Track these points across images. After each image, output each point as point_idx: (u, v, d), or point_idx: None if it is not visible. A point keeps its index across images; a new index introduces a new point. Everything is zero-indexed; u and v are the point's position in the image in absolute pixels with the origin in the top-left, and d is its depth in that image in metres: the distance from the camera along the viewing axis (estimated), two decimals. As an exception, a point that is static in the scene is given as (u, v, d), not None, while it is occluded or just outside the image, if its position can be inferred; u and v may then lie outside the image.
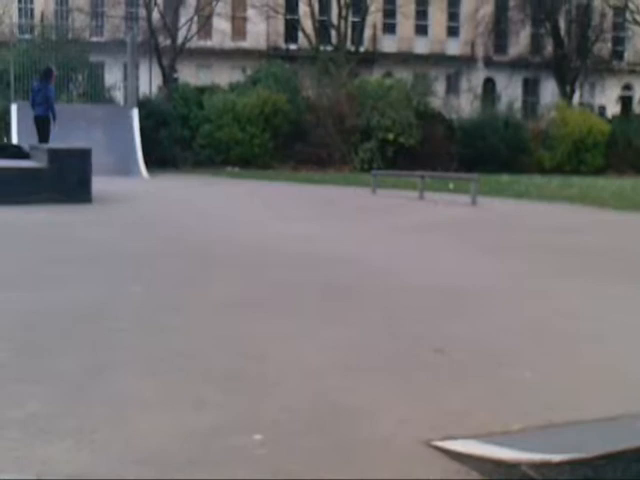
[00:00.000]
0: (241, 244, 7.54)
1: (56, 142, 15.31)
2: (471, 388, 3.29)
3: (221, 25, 38.46)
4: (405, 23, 43.70)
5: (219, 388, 3.18)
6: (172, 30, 32.63)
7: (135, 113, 23.35)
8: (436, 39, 44.47)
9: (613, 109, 43.59)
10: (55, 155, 11.47)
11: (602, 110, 42.45)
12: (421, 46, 43.91)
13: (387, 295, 5.23)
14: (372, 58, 41.31)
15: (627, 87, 47.27)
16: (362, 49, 38.79)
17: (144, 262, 6.37)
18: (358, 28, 37.34)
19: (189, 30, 33.44)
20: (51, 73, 17.23)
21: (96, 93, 27.14)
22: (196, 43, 35.53)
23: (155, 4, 32.90)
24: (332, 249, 7.30)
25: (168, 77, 32.06)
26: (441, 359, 3.68)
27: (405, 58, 41.41)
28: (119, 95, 28.77)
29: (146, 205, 12.10)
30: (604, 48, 43.99)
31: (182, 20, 33.39)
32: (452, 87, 40.91)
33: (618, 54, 46.24)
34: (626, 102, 46.21)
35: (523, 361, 3.70)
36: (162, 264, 6.30)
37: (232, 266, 6.24)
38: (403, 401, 3.09)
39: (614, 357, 3.82)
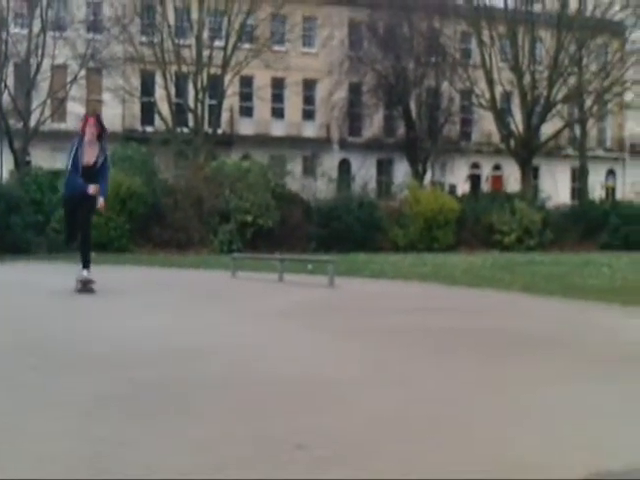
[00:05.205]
0: (87, 337, 7.29)
1: None
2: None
3: (76, 108, 38.05)
4: (262, 106, 44.48)
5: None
6: (24, 113, 32.08)
7: (-15, 199, 22.72)
8: (292, 122, 45.40)
9: (463, 187, 45.43)
10: None
11: (453, 188, 44.19)
12: (278, 129, 44.79)
13: (246, 388, 5.18)
14: (230, 140, 41.80)
15: (475, 166, 49.43)
16: (220, 131, 39.16)
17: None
18: (215, 111, 37.72)
19: (42, 113, 32.93)
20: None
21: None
22: (50, 126, 35.01)
23: (5, 86, 32.32)
24: (187, 339, 7.20)
25: (20, 161, 31.40)
26: (301, 456, 3.66)
27: (262, 140, 42.06)
28: (-33, 180, 27.97)
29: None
30: (453, 130, 46.10)
31: (35, 103, 32.87)
32: (309, 169, 41.74)
33: (466, 135, 48.45)
34: (475, 180, 48.26)
35: (387, 452, 3.71)
36: (6, 362, 6.06)
37: (81, 364, 6.05)
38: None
39: (484, 441, 3.88)
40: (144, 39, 38.53)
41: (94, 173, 11.17)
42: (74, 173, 11.22)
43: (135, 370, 5.70)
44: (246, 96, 44.17)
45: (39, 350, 6.51)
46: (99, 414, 4.39)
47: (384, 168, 47.05)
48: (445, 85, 43.83)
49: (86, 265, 11.27)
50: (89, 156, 11.11)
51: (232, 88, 39.25)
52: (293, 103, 45.69)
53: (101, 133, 11.29)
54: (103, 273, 11.47)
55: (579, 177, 47.03)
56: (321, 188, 33.80)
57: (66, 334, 7.52)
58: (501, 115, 41.64)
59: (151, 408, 4.56)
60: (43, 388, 5.07)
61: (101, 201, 11.26)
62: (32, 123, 32.45)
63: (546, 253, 29.04)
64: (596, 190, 44.82)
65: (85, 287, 11.10)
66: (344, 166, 45.67)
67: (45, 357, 6.22)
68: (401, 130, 44.80)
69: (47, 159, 34.44)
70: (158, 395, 4.93)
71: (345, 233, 29.26)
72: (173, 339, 7.23)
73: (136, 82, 39.71)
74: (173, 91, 37.77)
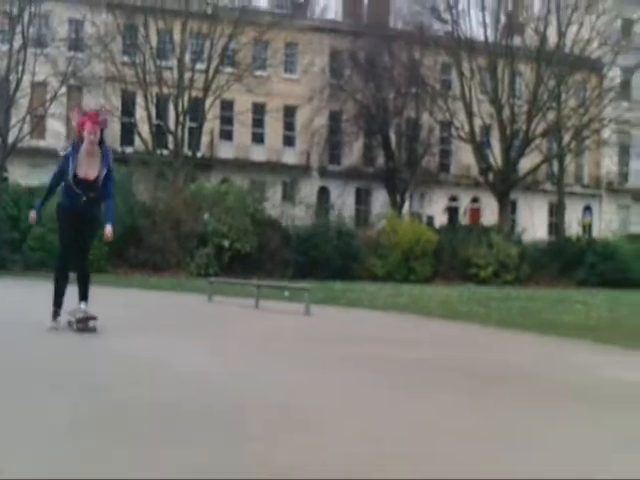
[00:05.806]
0: (57, 362, 7.21)
1: None
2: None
3: (55, 125, 37.87)
4: (242, 131, 44.47)
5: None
6: (2, 130, 31.92)
7: (-40, 214, 22.51)
8: (272, 147, 45.40)
9: (441, 219, 45.57)
10: None
11: (430, 220, 44.32)
12: (258, 154, 44.76)
13: (224, 415, 5.11)
14: (209, 164, 41.71)
15: (453, 198, 49.57)
16: (199, 154, 39.08)
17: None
18: (195, 134, 37.71)
19: (21, 130, 32.78)
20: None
21: None
22: (28, 143, 34.81)
23: (-16, 103, 32.19)
24: (161, 365, 7.11)
25: (-3, 177, 31.21)
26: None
27: (242, 165, 42.05)
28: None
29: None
30: (432, 161, 46.23)
31: (14, 120, 32.73)
32: (288, 195, 41.70)
33: (445, 167, 48.57)
34: (452, 213, 48.42)
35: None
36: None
37: (54, 389, 5.96)
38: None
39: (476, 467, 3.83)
40: (126, 59, 38.53)
41: (95, 189, 8.82)
42: (67, 185, 8.83)
43: (117, 393, 5.61)
44: (227, 120, 44.17)
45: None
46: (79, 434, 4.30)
47: (363, 197, 47.10)
48: (425, 116, 44.04)
49: (84, 297, 9.07)
50: (89, 169, 8.75)
51: (213, 111, 39.25)
52: (273, 129, 45.71)
53: (102, 137, 8.83)
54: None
55: (556, 212, 47.30)
56: (299, 215, 33.81)
57: (34, 353, 7.43)
58: (480, 148, 41.88)
59: (124, 434, 4.48)
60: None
61: (109, 229, 8.95)
62: (10, 139, 32.28)
63: (522, 288, 29.12)
64: (573, 226, 45.08)
65: (85, 326, 8.86)
66: (323, 194, 45.69)
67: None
68: (380, 160, 44.92)
69: (25, 176, 34.19)
70: (130, 419, 4.85)
71: (323, 261, 29.24)
72: (144, 364, 7.15)
73: (117, 102, 39.61)
74: (154, 112, 37.75)
